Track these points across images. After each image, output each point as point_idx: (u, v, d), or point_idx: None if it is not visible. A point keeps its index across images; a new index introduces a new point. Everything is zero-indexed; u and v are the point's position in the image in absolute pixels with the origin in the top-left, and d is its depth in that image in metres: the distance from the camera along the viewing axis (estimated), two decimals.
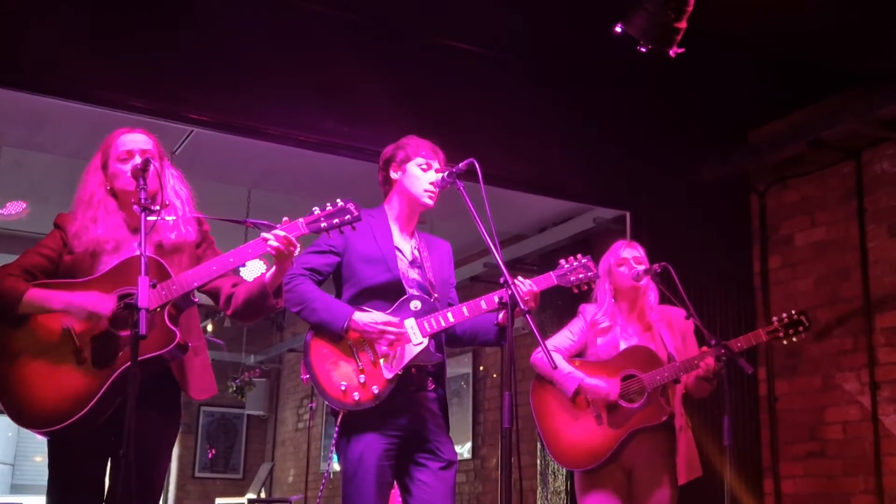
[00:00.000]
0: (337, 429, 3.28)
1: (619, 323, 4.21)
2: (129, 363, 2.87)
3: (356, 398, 3.22)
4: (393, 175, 3.52)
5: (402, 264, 3.44)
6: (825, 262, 5.67)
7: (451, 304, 3.50)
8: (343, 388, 3.24)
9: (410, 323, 3.31)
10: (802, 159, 5.76)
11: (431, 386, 3.40)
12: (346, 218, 3.03)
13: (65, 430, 2.94)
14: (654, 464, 4.04)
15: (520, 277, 3.34)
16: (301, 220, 3.03)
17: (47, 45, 4.41)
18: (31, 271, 3.09)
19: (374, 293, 3.36)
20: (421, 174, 3.47)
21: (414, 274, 3.45)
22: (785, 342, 4.16)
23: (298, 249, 3.05)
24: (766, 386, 5.86)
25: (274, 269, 3.07)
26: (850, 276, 5.51)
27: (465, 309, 3.34)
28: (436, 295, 3.43)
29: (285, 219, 3.02)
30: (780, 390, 5.81)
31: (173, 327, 2.95)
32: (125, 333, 2.97)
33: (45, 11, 4.46)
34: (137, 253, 3.06)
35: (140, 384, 2.77)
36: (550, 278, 3.45)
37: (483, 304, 3.34)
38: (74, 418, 2.91)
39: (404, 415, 3.30)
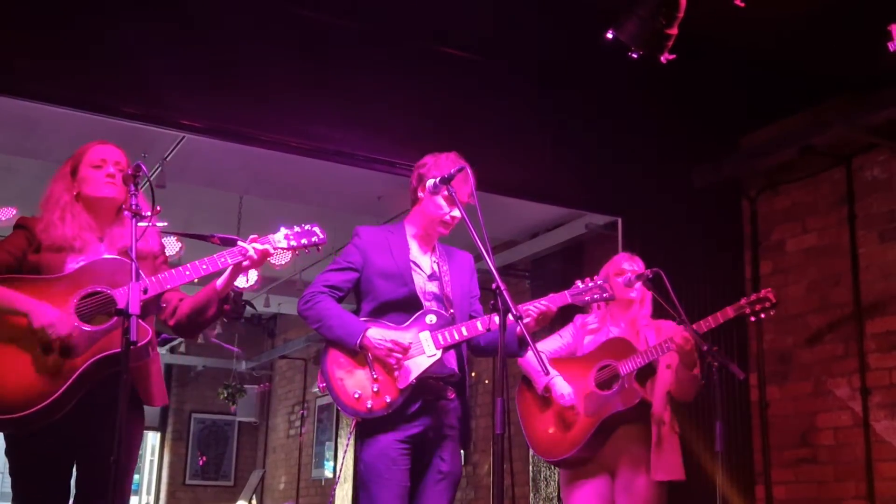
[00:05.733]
0: (350, 434, 3.41)
1: (609, 325, 4.27)
2: (95, 357, 2.97)
3: (369, 406, 3.32)
4: (419, 194, 3.56)
5: (420, 279, 3.51)
6: (816, 267, 5.69)
7: (472, 317, 3.56)
8: (357, 396, 3.33)
9: (425, 336, 3.40)
10: (793, 165, 5.78)
11: (451, 395, 3.48)
12: (313, 240, 3.27)
13: (23, 421, 2.93)
14: (634, 458, 4.09)
15: (527, 306, 3.44)
16: (270, 236, 3.22)
17: (38, 50, 4.40)
18: None
19: (391, 307, 3.45)
20: (444, 205, 3.49)
21: (432, 287, 3.52)
22: (752, 318, 4.21)
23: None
24: (757, 391, 5.87)
25: (227, 275, 3.19)
26: (841, 281, 5.53)
27: (479, 324, 3.43)
28: (452, 310, 3.49)
29: (253, 236, 3.17)
30: (771, 396, 5.82)
31: (144, 324, 2.97)
32: (92, 328, 3.00)
33: (36, 17, 4.44)
34: (105, 255, 3.14)
35: (101, 384, 2.89)
36: (564, 297, 3.54)
37: (497, 319, 3.36)
38: (35, 408, 2.91)
39: (420, 422, 3.37)
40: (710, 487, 4.16)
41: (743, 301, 4.22)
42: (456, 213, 3.47)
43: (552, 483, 6.60)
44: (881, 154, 5.41)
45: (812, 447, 5.54)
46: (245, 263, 3.13)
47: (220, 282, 3.20)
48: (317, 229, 3.26)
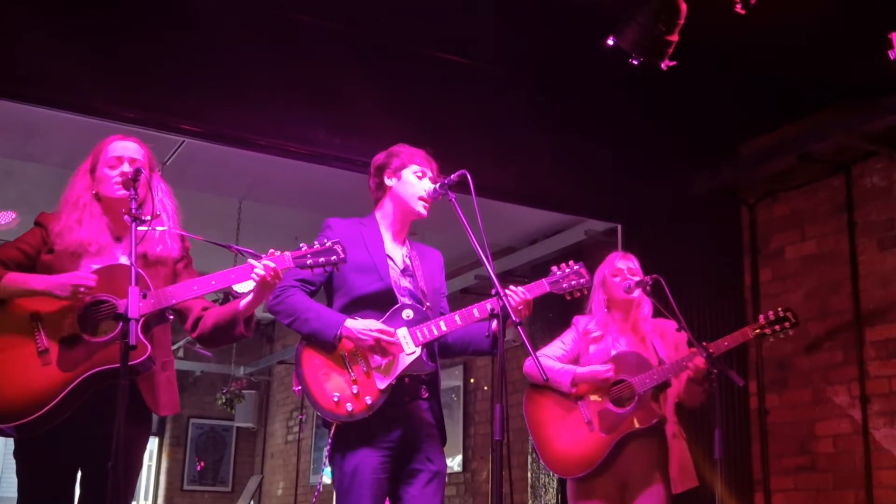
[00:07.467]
0: (330, 441, 3.26)
1: (612, 333, 4.22)
2: (89, 371, 2.92)
3: (349, 409, 3.19)
4: (387, 182, 3.50)
5: (394, 273, 3.42)
6: (815, 275, 5.68)
7: (442, 314, 3.47)
8: (336, 399, 3.20)
9: (403, 332, 3.28)
10: (793, 173, 5.78)
11: (425, 395, 3.38)
12: (332, 258, 3.08)
13: (19, 429, 2.92)
14: (647, 473, 4.04)
15: (511, 286, 3.32)
16: (288, 253, 3.06)
17: (38, 54, 4.40)
18: (6, 263, 3.08)
19: (365, 302, 3.34)
20: (416, 182, 3.45)
21: (405, 282, 3.43)
22: (772, 339, 4.21)
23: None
24: (756, 399, 5.86)
25: (251, 297, 3.08)
26: (840, 289, 5.52)
27: (457, 318, 3.32)
28: (428, 304, 3.41)
29: (272, 250, 3.05)
30: (770, 403, 5.81)
31: (144, 340, 2.92)
32: (93, 339, 2.97)
33: (36, 21, 4.44)
34: (121, 261, 3.09)
35: (103, 394, 2.83)
36: (543, 285, 3.42)
37: (476, 313, 3.31)
38: (30, 417, 2.88)
39: (398, 426, 3.27)
40: (709, 495, 4.15)
41: (762, 320, 4.19)
42: (427, 183, 3.41)
43: (550, 490, 6.58)
44: (880, 162, 5.41)
45: (811, 455, 5.53)
46: (258, 281, 3.01)
47: (243, 302, 3.09)
48: (338, 248, 3.09)
